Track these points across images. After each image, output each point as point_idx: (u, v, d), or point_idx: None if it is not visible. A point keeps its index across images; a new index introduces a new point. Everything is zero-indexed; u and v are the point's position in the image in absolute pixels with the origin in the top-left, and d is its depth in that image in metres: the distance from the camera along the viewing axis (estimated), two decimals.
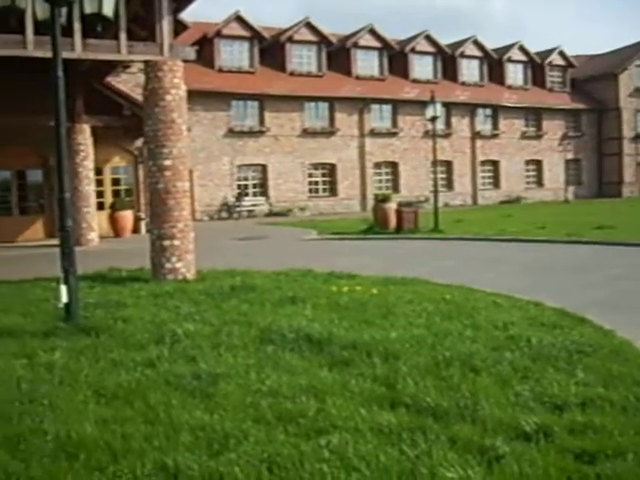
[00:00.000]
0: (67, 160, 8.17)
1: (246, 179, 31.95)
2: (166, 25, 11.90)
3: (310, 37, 33.88)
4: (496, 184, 39.27)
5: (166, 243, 11.69)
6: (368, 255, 15.94)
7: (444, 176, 36.75)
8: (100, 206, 22.94)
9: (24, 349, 6.87)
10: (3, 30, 10.58)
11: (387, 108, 35.40)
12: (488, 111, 38.81)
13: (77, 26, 10.95)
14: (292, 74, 33.20)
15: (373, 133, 34.60)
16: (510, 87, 39.94)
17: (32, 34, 10.72)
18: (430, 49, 37.40)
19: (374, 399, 4.99)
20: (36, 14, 8.71)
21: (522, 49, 40.39)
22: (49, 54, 8.37)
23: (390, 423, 4.45)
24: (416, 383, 5.26)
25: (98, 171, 23.06)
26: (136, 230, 23.72)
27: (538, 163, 40.93)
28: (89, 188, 20.89)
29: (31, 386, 5.60)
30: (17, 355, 6.66)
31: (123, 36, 11.54)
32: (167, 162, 11.68)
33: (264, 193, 32.20)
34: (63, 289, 7.87)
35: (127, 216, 23.32)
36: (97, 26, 8.35)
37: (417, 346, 6.36)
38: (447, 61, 38.04)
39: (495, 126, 38.96)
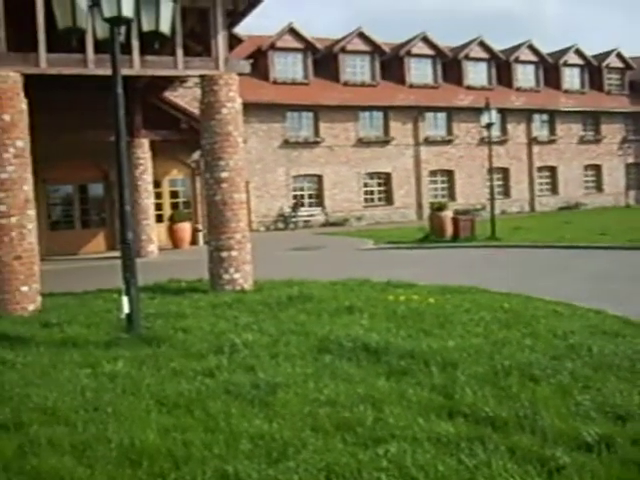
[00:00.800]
0: (127, 174, 8.36)
1: (302, 189, 32.13)
2: (221, 40, 12.08)
3: (363, 47, 33.93)
4: (554, 190, 38.65)
5: (224, 254, 11.84)
6: (425, 264, 15.87)
7: (501, 183, 36.34)
8: (159, 218, 23.35)
9: (88, 359, 7.06)
10: (64, 49, 10.91)
11: (442, 116, 35.21)
12: (545, 116, 38.27)
13: (135, 43, 11.23)
14: (346, 84, 33.29)
15: (428, 141, 34.45)
16: (567, 91, 39.31)
17: (92, 53, 11.03)
18: (484, 55, 37.09)
19: (432, 408, 4.98)
20: (96, 33, 8.93)
21: (578, 52, 39.72)
22: (109, 72, 8.59)
23: (448, 433, 4.44)
24: (474, 392, 5.23)
25: (157, 184, 23.52)
26: (194, 242, 24.05)
27: (597, 168, 40.12)
28: (148, 201, 21.31)
29: (95, 395, 5.75)
30: (81, 365, 6.84)
31: (180, 52, 11.77)
32: (224, 174, 11.85)
33: (320, 203, 32.32)
34: (125, 300, 8.05)
35: (185, 228, 23.66)
36: (155, 43, 8.53)
37: (475, 355, 6.32)
38: (501, 67, 37.64)
39: (552, 131, 38.39)
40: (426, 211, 29.91)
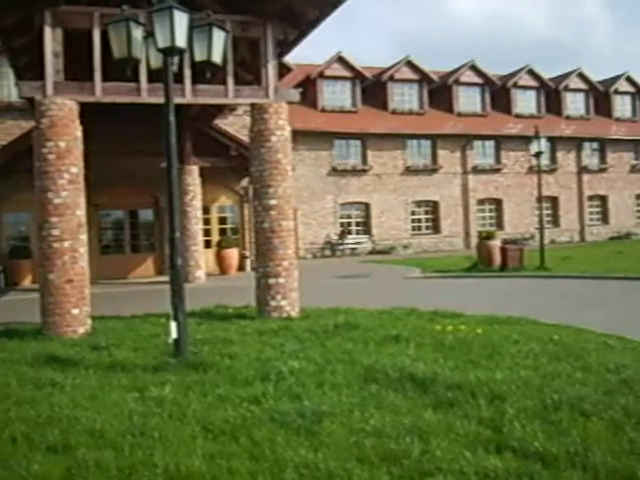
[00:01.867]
0: (177, 200, 8.48)
1: (349, 217, 32.15)
2: (271, 69, 12.26)
3: (411, 75, 34.00)
4: (605, 220, 37.98)
5: (271, 281, 11.91)
6: (472, 293, 15.72)
7: (550, 212, 35.87)
8: (207, 244, 23.61)
9: (136, 382, 7.13)
10: (118, 78, 11.18)
11: (490, 144, 34.99)
12: (595, 145, 37.74)
13: (187, 73, 11.47)
14: (394, 112, 33.35)
15: (476, 170, 34.24)
16: (618, 119, 38.73)
17: (146, 81, 11.29)
18: (533, 83, 36.84)
19: (480, 442, 4.90)
20: (149, 63, 9.13)
21: (629, 80, 39.15)
22: (162, 100, 8.78)
23: (496, 467, 4.36)
24: (523, 426, 5.14)
25: (205, 210, 23.80)
26: (241, 268, 24.23)
27: None
28: (197, 227, 21.56)
29: (142, 419, 5.80)
30: (129, 388, 6.92)
31: (230, 81, 11.97)
32: (272, 202, 11.95)
33: (367, 231, 32.28)
34: (173, 325, 8.12)
35: (233, 254, 23.86)
36: (206, 72, 8.69)
37: (524, 388, 6.21)
38: (550, 95, 37.32)
39: (603, 160, 37.81)
40: (473, 240, 29.66)
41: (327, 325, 10.14)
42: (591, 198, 37.57)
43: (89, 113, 12.01)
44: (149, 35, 8.38)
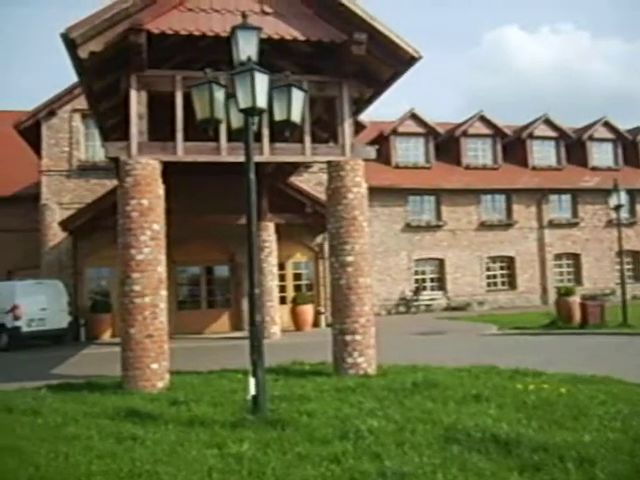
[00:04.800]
0: (257, 257, 8.57)
1: (423, 273, 31.92)
2: (347, 127, 12.42)
3: (484, 130, 33.93)
4: None
5: (348, 338, 11.86)
6: (552, 351, 15.28)
7: (631, 267, 34.81)
8: (282, 300, 23.72)
9: (214, 438, 7.16)
10: (197, 138, 11.53)
11: (566, 198, 34.39)
12: None
13: (265, 132, 11.74)
14: (467, 167, 33.26)
15: (552, 224, 33.64)
16: None
17: (225, 141, 11.59)
18: (609, 135, 36.21)
19: None
20: (230, 123, 9.38)
21: None
22: (241, 159, 8.99)
23: None
24: None
25: (281, 266, 23.99)
26: (316, 324, 24.23)
27: None
28: (272, 283, 21.73)
29: (222, 476, 5.81)
30: (208, 444, 6.94)
31: (307, 139, 12.18)
32: (349, 258, 11.98)
33: (441, 287, 31.94)
34: (251, 382, 8.14)
35: (308, 310, 23.89)
36: (286, 131, 8.86)
37: (614, 452, 5.97)
38: (627, 147, 36.58)
39: None
40: (551, 296, 29.02)
41: (405, 383, 10.01)
42: None
43: (170, 171, 12.36)
44: (230, 96, 8.62)
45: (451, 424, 7.22)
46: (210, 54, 12.46)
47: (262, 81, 8.20)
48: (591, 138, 35.82)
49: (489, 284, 32.81)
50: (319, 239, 25.50)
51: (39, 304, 21.15)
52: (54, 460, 6.54)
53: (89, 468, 6.19)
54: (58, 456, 6.66)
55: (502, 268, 33.24)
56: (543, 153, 34.96)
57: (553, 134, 35.05)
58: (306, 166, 24.62)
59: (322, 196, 22.76)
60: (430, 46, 62.03)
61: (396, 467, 5.73)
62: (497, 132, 34.05)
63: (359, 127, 20.79)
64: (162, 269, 11.38)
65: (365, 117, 23.66)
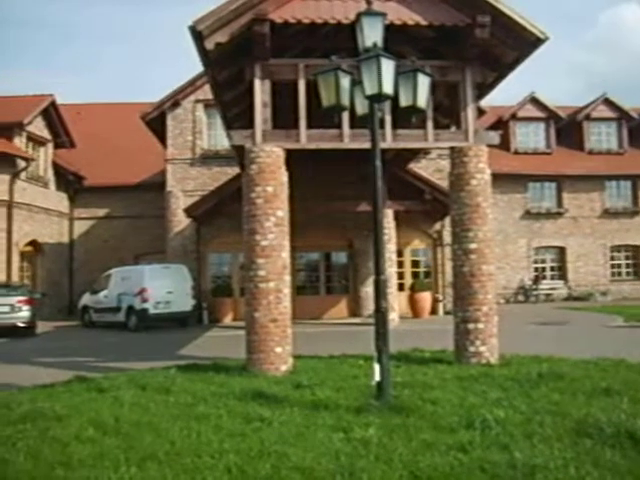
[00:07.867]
0: (383, 243, 8.57)
1: (543, 262, 31.05)
2: (470, 112, 12.22)
3: (609, 114, 32.55)
4: None
5: (470, 326, 11.70)
6: None
7: None
8: (400, 287, 23.67)
9: (340, 423, 7.24)
10: (318, 125, 11.63)
11: None
12: None
13: (388, 118, 11.71)
14: (591, 153, 32.04)
15: None
16: None
17: (348, 128, 11.64)
18: None
19: None
20: (355, 110, 9.40)
21: None
22: (363, 145, 9.01)
23: None
24: None
25: (399, 253, 23.95)
26: (434, 311, 24.06)
27: None
28: (391, 270, 21.63)
29: (349, 460, 5.86)
30: (334, 428, 7.03)
31: (430, 125, 12.06)
32: (472, 245, 11.81)
33: (562, 276, 30.97)
34: (376, 367, 8.17)
35: (426, 297, 23.75)
36: (411, 118, 8.81)
37: None
38: None
39: None
40: None
41: (530, 374, 9.79)
42: None
43: (293, 158, 12.53)
44: (357, 83, 8.63)
45: (581, 418, 6.99)
46: (329, 42, 12.53)
47: (388, 67, 8.16)
48: None
49: (613, 274, 31.54)
50: (437, 226, 25.29)
51: (165, 287, 21.99)
52: (187, 437, 6.81)
53: (221, 446, 6.40)
54: (191, 434, 6.93)
55: (627, 257, 31.90)
56: None
57: None
58: (425, 153, 24.42)
59: (441, 183, 22.66)
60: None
61: (526, 459, 5.61)
62: (622, 115, 32.60)
63: (480, 112, 20.41)
64: (286, 255, 11.57)
65: (483, 102, 23.17)
